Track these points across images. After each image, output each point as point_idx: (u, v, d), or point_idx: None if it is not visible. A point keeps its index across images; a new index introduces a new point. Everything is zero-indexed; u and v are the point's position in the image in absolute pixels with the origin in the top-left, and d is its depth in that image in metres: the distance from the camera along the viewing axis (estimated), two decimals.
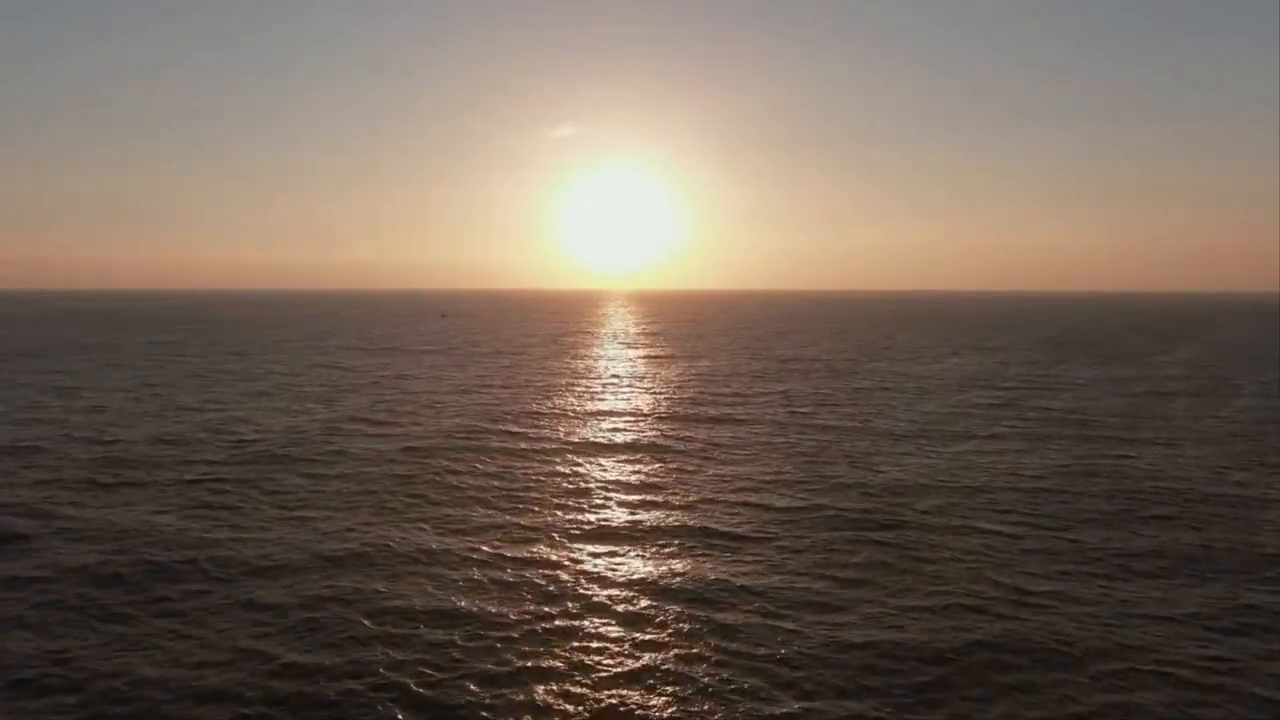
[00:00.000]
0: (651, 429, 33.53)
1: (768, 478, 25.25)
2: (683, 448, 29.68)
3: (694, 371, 56.56)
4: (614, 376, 53.25)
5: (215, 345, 78.13)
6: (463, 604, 15.23)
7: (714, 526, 20.34)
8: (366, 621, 14.45)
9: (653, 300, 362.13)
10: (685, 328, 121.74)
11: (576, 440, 31.00)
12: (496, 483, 24.42)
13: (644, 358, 68.55)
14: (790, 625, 14.75)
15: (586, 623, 14.61)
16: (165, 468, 25.73)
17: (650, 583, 16.55)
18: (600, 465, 26.94)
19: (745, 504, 22.37)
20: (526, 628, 14.33)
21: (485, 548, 18.49)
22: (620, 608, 15.24)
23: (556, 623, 14.52)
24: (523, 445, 29.98)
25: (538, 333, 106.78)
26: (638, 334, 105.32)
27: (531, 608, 15.17)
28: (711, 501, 22.63)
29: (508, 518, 20.88)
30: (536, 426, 33.87)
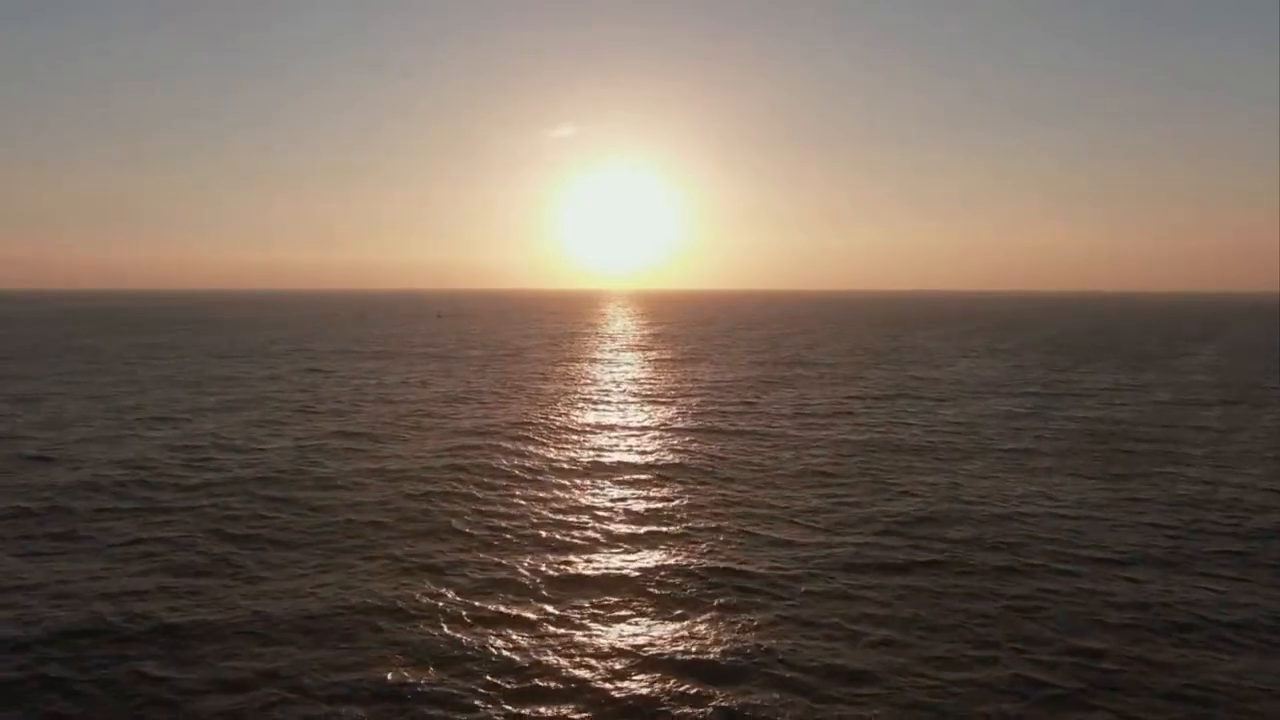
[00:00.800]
0: (649, 445, 30.87)
1: (778, 503, 22.62)
2: (684, 467, 27.04)
3: (696, 378, 53.95)
4: (609, 384, 50.66)
5: (201, 348, 75.55)
6: (412, 678, 12.61)
7: (719, 565, 17.73)
8: (295, 702, 11.84)
9: (653, 300, 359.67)
10: (686, 329, 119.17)
11: (566, 461, 28.30)
12: (473, 513, 21.77)
13: (642, 363, 65.96)
14: (810, 702, 12.16)
15: (562, 706, 11.99)
16: (106, 493, 23.09)
17: (643, 646, 13.93)
18: (591, 490, 24.27)
19: (754, 537, 19.75)
20: (487, 712, 11.73)
21: (452, 595, 15.89)
22: (605, 685, 12.61)
23: (525, 709, 11.89)
24: (505, 464, 27.33)
25: (534, 335, 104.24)
26: (637, 336, 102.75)
27: (498, 683, 12.54)
28: (716, 534, 20.00)
29: (482, 556, 18.26)
30: (524, 443, 31.24)
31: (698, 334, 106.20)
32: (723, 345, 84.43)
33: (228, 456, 27.88)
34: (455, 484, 24.47)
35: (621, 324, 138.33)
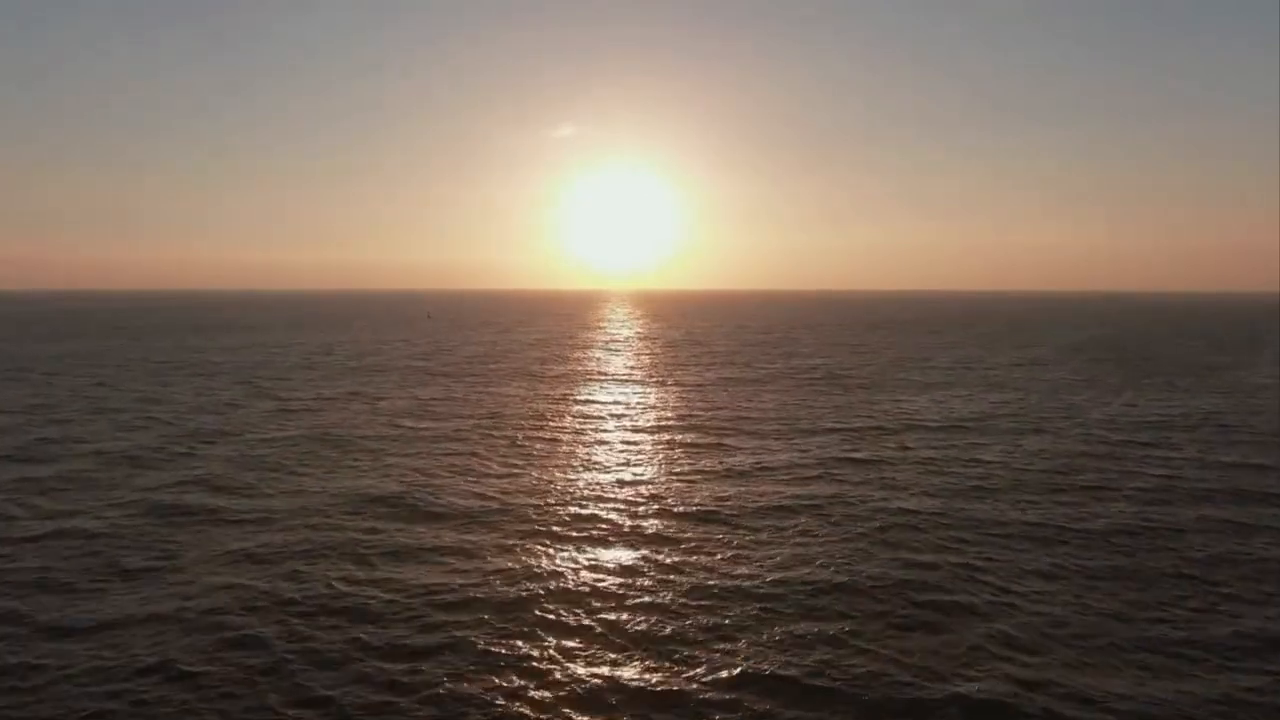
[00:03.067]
0: (651, 524, 22.64)
1: (858, 655, 14.38)
2: (696, 556, 18.85)
3: (711, 402, 45.60)
4: (602, 412, 42.22)
5: (136, 360, 67.03)
6: None
7: None
8: None
9: (654, 301, 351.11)
10: (692, 334, 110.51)
11: (526, 553, 20.11)
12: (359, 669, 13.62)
13: (645, 378, 57.65)
14: None
15: None
16: None
17: None
18: (558, 616, 16.09)
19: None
20: None
21: None
22: None
23: None
24: (433, 554, 19.17)
25: (524, 340, 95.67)
26: (638, 343, 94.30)
27: None
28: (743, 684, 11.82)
29: None
30: (471, 514, 23.07)
31: (704, 339, 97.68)
32: (734, 352, 75.92)
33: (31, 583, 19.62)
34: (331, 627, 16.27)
35: (621, 327, 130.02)
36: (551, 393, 48.12)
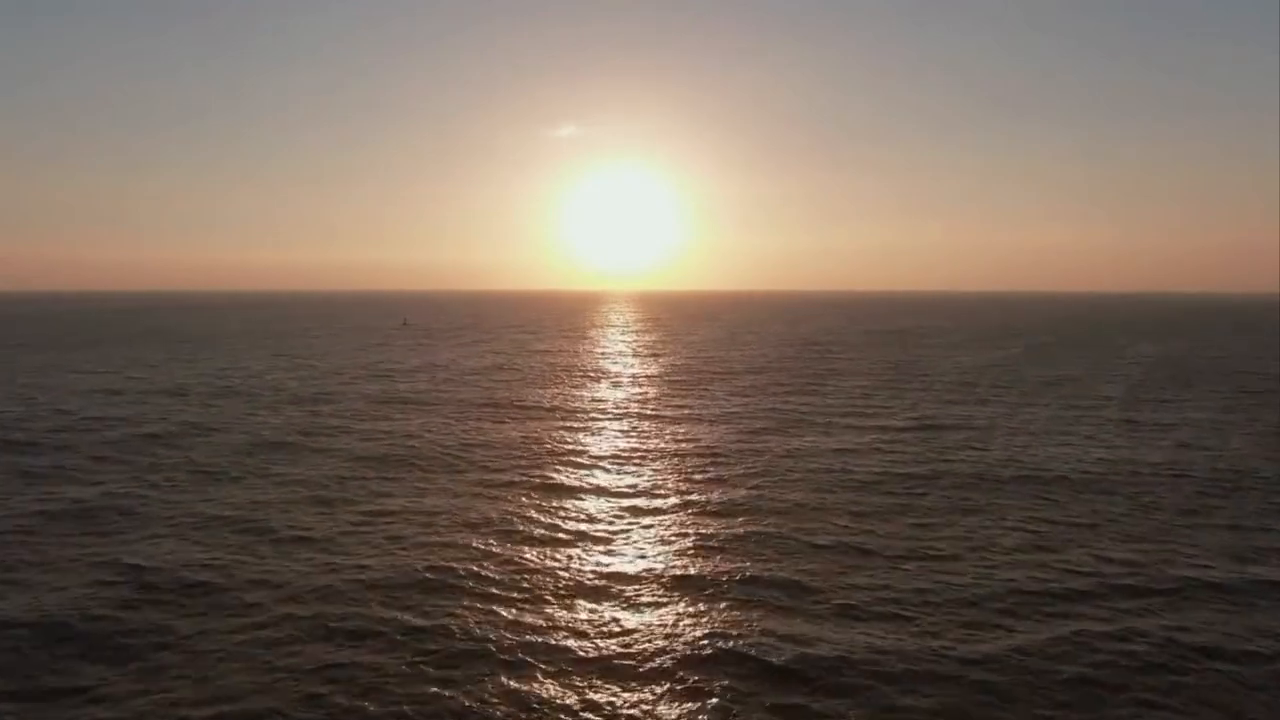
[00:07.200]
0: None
1: None
2: None
3: (751, 462, 30.54)
4: (597, 482, 27.15)
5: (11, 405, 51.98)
6: None
7: None
8: None
9: (658, 303, 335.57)
10: (704, 345, 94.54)
11: None
12: None
13: (651, 423, 42.47)
14: None
15: None
16: None
17: None
18: None
19: None
20: None
21: None
22: None
23: None
24: None
25: (510, 352, 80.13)
26: (644, 357, 78.81)
27: None
28: None
29: None
30: None
31: (718, 356, 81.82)
32: (757, 362, 60.36)
33: None
34: None
35: (624, 341, 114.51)
36: (514, 478, 32.99)
